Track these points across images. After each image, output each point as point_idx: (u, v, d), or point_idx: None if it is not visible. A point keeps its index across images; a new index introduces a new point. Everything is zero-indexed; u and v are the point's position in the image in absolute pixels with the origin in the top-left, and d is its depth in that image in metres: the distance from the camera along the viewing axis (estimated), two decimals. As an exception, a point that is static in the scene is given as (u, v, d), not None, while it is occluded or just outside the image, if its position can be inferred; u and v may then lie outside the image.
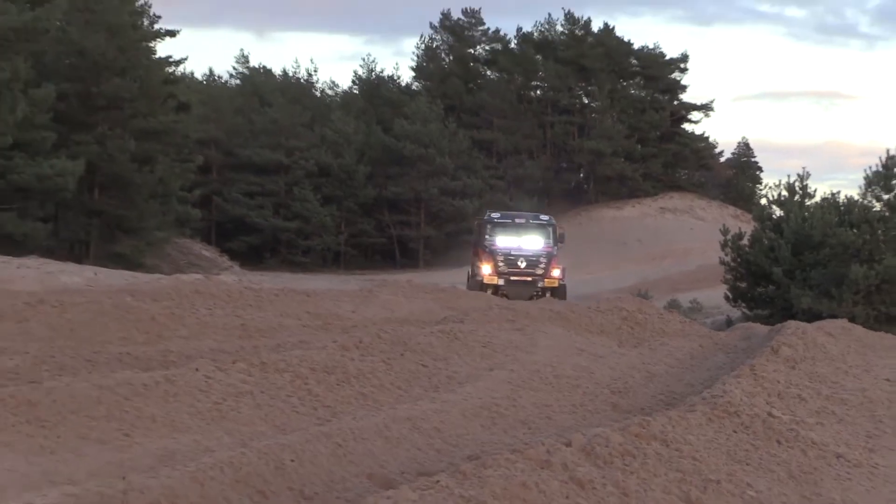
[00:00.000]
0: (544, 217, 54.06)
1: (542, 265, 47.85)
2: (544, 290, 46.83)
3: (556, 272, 47.79)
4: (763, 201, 41.05)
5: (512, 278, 46.93)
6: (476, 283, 48.42)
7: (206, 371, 10.12)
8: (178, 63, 66.05)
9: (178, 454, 7.69)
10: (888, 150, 35.66)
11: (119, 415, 8.79)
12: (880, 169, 35.55)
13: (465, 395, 11.03)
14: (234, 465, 7.39)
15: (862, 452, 10.23)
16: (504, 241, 49.08)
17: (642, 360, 14.95)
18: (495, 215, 52.70)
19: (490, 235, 49.61)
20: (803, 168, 41.51)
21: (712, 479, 8.29)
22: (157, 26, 59.96)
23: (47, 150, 41.95)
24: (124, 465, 7.31)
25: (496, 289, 46.80)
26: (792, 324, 17.38)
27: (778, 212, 38.51)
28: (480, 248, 51.08)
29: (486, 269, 47.47)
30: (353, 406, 10.23)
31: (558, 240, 50.14)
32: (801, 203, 38.27)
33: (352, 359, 11.54)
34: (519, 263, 47.50)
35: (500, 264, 47.42)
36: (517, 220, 51.97)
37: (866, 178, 35.94)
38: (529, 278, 47.40)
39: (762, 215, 39.56)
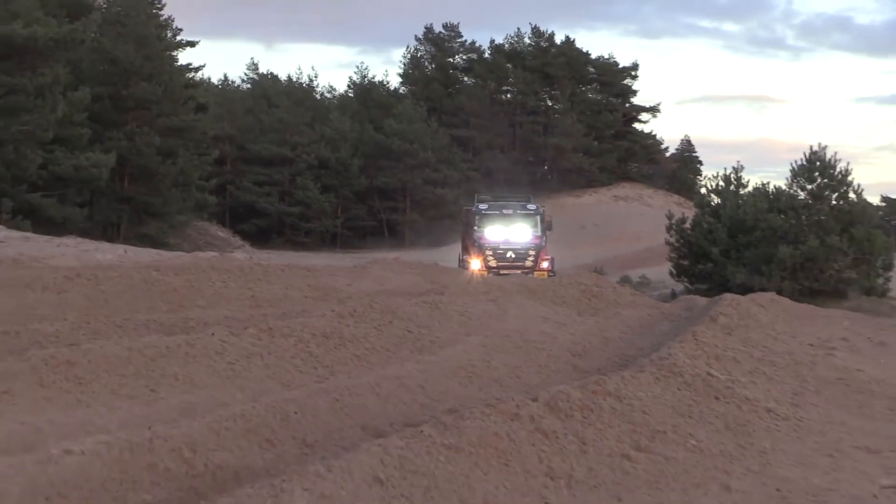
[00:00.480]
0: (531, 206, 46.48)
1: (532, 257, 42.58)
2: None
3: (545, 263, 42.33)
4: (703, 190, 41.05)
5: (502, 272, 40.23)
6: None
7: (221, 336, 10.09)
8: (197, 70, 66.06)
9: (198, 408, 7.67)
10: (811, 147, 35.82)
11: (146, 373, 8.77)
12: (804, 163, 35.75)
13: (445, 358, 11.01)
14: (246, 417, 7.38)
15: (789, 407, 10.23)
16: (492, 232, 43.48)
17: (598, 328, 14.92)
18: (483, 206, 46.02)
19: (478, 227, 43.96)
20: (738, 162, 42.07)
21: (659, 429, 8.29)
22: (178, 38, 59.87)
23: (83, 144, 41.76)
24: (150, 417, 7.29)
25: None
26: (728, 296, 17.37)
27: (716, 200, 38.60)
28: (469, 241, 45.37)
29: (475, 263, 42.35)
30: (348, 366, 10.21)
31: (546, 228, 44.11)
32: (736, 192, 38.38)
33: (347, 325, 11.52)
34: (508, 256, 42.40)
35: (490, 258, 42.27)
36: (505, 211, 45.14)
37: (792, 170, 36.09)
38: (519, 270, 41.14)
39: (702, 203, 39.66)
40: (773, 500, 7.18)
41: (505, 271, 40.51)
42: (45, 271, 15.58)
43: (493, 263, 42.08)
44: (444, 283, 18.40)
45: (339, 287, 16.35)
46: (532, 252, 42.41)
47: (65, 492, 5.53)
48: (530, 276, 39.01)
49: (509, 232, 43.28)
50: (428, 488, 5.93)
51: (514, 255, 42.26)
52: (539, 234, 43.31)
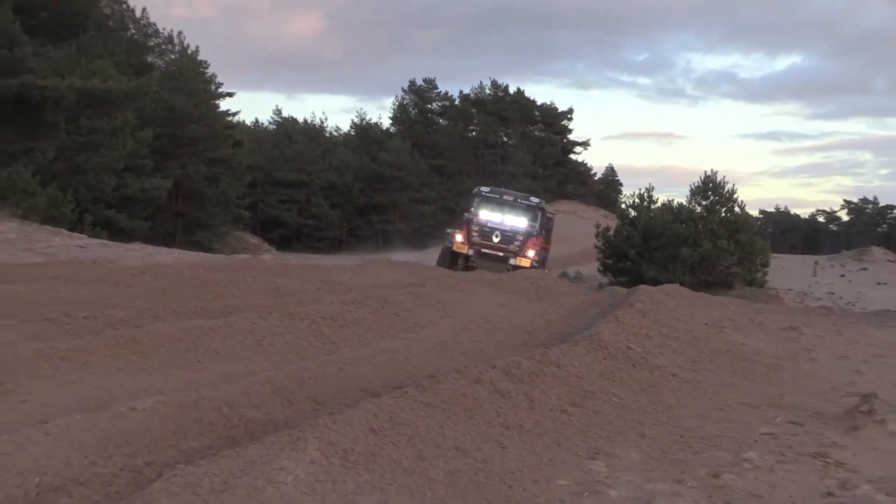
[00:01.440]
0: (534, 199, 39.43)
1: (518, 243, 35.03)
2: (516, 269, 32.16)
3: (530, 252, 34.93)
4: (623, 206, 41.39)
5: (483, 250, 34.78)
6: (446, 252, 36.72)
7: (251, 319, 10.07)
8: (234, 114, 66.33)
9: (234, 375, 7.64)
10: (705, 172, 36.62)
11: (193, 348, 8.73)
12: (700, 184, 36.41)
13: (425, 336, 10.98)
14: (271, 382, 7.35)
15: (689, 372, 10.21)
16: (487, 214, 36.47)
17: (543, 312, 14.88)
18: (485, 189, 39.21)
19: (475, 208, 36.96)
20: (649, 184, 42.17)
21: (589, 390, 8.26)
22: (220, 90, 59.95)
23: (147, 172, 41.82)
24: (197, 382, 7.25)
25: (465, 259, 35.33)
26: (642, 287, 17.38)
27: (633, 213, 38.92)
28: (462, 219, 37.86)
29: (458, 236, 35.42)
30: (350, 342, 10.17)
31: (544, 224, 37.19)
32: (648, 207, 38.75)
33: (349, 311, 11.49)
34: (493, 237, 35.01)
35: (474, 234, 35.10)
36: (505, 197, 38.02)
37: (691, 190, 36.77)
38: (501, 253, 34.69)
39: (623, 215, 40.12)
40: (677, 444, 7.16)
41: (486, 251, 34.60)
42: (116, 270, 15.54)
43: (476, 240, 35.06)
44: (424, 278, 18.36)
45: (343, 281, 16.31)
46: (520, 237, 34.98)
47: (130, 440, 5.50)
48: (512, 262, 33.88)
49: (504, 217, 36.24)
50: (411, 436, 5.91)
51: (499, 238, 34.89)
52: (534, 226, 36.14)
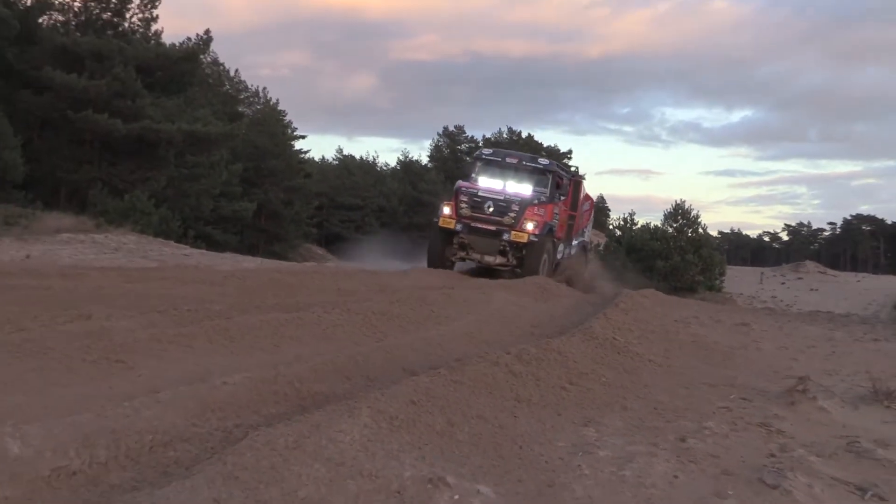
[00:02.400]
0: (543, 160, 28.04)
1: (514, 214, 24.11)
2: (512, 245, 23.79)
3: (528, 224, 23.95)
4: (611, 227, 41.79)
5: (473, 224, 24.16)
6: (433, 228, 26.18)
7: (318, 313, 10.07)
8: (305, 152, 66.48)
9: (303, 357, 7.63)
10: (675, 201, 36.70)
11: (272, 336, 8.74)
12: (672, 211, 36.48)
13: (455, 328, 10.96)
14: (334, 363, 7.35)
15: (662, 358, 10.18)
16: (485, 182, 25.89)
17: (547, 309, 14.86)
18: (486, 152, 28.71)
19: (474, 175, 26.54)
20: (631, 210, 42.49)
21: (583, 371, 8.25)
22: (295, 132, 59.93)
23: (237, 197, 41.96)
24: (275, 362, 7.25)
25: (452, 237, 24.36)
26: (626, 291, 17.32)
27: (619, 233, 39.20)
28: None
29: (445, 209, 24.76)
30: (395, 332, 10.15)
31: (556, 190, 26.01)
32: (630, 228, 39.33)
33: (394, 307, 11.46)
34: (486, 207, 24.31)
35: (463, 206, 24.38)
36: (508, 160, 27.19)
37: (664, 215, 37.09)
38: (493, 227, 24.09)
39: (610, 235, 40.51)
40: (652, 415, 7.15)
41: (477, 224, 23.78)
42: (212, 273, 15.62)
43: (465, 213, 24.03)
44: (454, 283, 18.38)
45: (390, 284, 16.29)
46: (516, 208, 23.87)
47: (223, 407, 5.52)
48: (506, 237, 23.47)
49: (505, 184, 25.19)
50: (443, 406, 5.91)
51: (492, 208, 23.98)
52: (541, 192, 25.13)
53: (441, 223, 24.16)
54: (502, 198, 23.83)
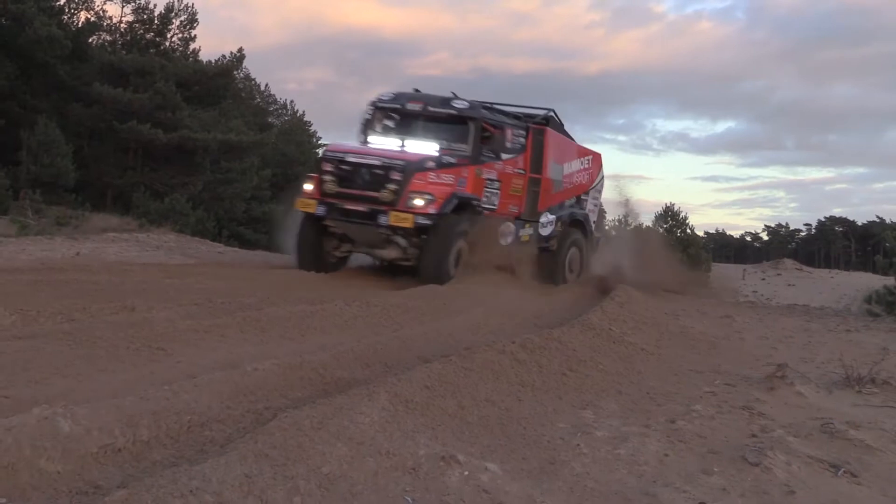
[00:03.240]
0: (460, 103, 16.08)
1: (395, 184, 14.25)
2: (396, 231, 14.57)
3: (417, 200, 14.11)
4: (607, 228, 41.57)
5: (343, 205, 14.72)
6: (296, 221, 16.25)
7: (340, 306, 10.06)
8: (329, 159, 65.96)
9: (327, 346, 7.63)
10: (665, 204, 36.45)
11: (298, 326, 8.75)
12: (663, 213, 36.29)
13: (464, 319, 10.92)
14: (354, 350, 7.35)
15: (653, 348, 10.15)
16: (376, 142, 16.13)
17: (549, 303, 14.80)
18: (384, 97, 16.90)
19: (364, 132, 16.70)
20: (625, 213, 42.17)
21: (582, 359, 8.23)
22: (319, 141, 59.68)
23: (267, 199, 41.96)
24: (301, 350, 7.26)
25: (315, 222, 15.30)
26: (621, 286, 17.25)
27: (614, 233, 39.00)
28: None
29: (306, 185, 15.62)
30: (410, 323, 10.14)
31: (482, 147, 15.67)
32: (625, 228, 38.95)
33: (410, 301, 11.48)
34: (360, 177, 14.60)
35: (327, 178, 14.89)
36: (409, 106, 16.29)
37: (656, 216, 36.68)
38: (365, 208, 14.46)
39: (607, 235, 40.28)
40: (644, 399, 7.15)
41: (349, 204, 14.67)
42: (246, 267, 15.77)
43: (330, 189, 14.90)
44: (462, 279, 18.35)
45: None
46: (397, 175, 14.33)
47: (253, 391, 5.54)
48: (383, 221, 14.38)
49: (403, 144, 15.65)
50: (454, 391, 5.92)
51: (368, 178, 14.53)
52: (453, 151, 15.53)
53: (299, 206, 15.59)
54: (380, 162, 14.66)
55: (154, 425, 4.66)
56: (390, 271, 15.65)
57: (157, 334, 7.44)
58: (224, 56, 41.10)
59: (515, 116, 17.77)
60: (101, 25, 38.27)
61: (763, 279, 40.07)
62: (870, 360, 9.38)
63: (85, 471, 4.08)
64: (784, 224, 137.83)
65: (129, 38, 38.94)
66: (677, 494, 4.84)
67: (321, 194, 15.04)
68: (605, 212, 24.94)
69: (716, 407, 7.16)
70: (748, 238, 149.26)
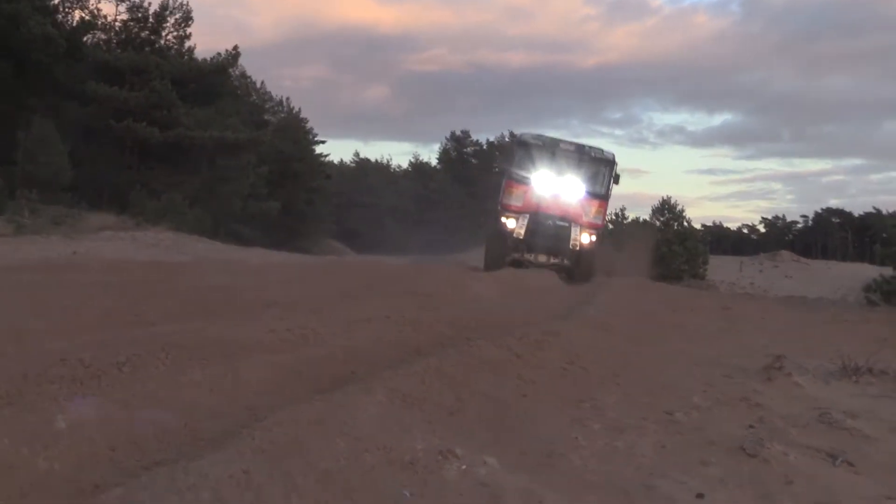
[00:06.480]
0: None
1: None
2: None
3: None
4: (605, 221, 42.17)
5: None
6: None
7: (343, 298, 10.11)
8: (325, 156, 66.20)
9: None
10: (663, 198, 36.71)
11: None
12: (659, 206, 36.44)
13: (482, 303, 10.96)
14: (345, 350, 7.37)
15: (651, 340, 10.19)
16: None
17: (557, 297, 14.86)
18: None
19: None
20: (623, 206, 42.26)
21: (579, 353, 8.24)
22: (315, 138, 59.97)
23: (263, 197, 42.01)
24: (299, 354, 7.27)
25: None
26: (617, 279, 17.24)
27: (611, 226, 39.12)
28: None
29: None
30: (425, 311, 10.15)
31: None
32: (622, 222, 39.07)
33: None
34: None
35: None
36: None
37: (653, 210, 37.02)
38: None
39: (605, 229, 40.54)
40: (641, 391, 7.19)
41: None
42: (241, 265, 15.80)
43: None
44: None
45: (408, 273, 16.38)
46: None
47: (255, 391, 5.54)
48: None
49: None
50: (451, 385, 5.93)
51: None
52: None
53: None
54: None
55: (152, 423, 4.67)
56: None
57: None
58: (219, 54, 41.31)
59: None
60: (96, 24, 38.36)
61: (760, 271, 40.00)
62: (867, 350, 9.40)
63: (82, 469, 4.08)
64: (781, 216, 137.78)
65: (123, 36, 39.03)
66: (675, 486, 4.84)
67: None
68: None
69: (713, 398, 7.17)
70: (745, 230, 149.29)
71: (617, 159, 22.21)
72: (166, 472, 3.70)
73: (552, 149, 21.92)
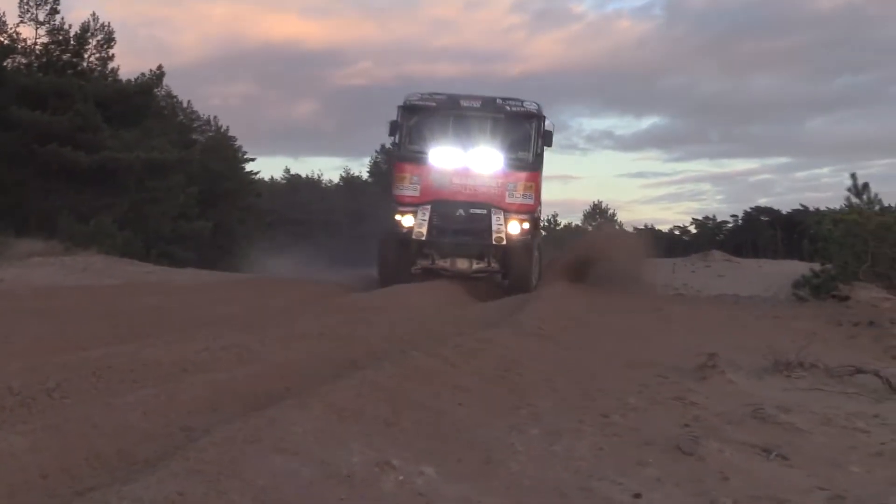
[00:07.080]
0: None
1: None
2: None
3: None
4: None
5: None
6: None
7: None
8: (255, 173, 66.34)
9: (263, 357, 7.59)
10: (594, 202, 37.17)
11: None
12: (590, 211, 36.79)
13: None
14: (280, 366, 7.33)
15: (585, 344, 10.25)
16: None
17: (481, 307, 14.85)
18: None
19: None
20: (555, 212, 42.43)
21: (515, 360, 8.29)
22: (246, 156, 59.77)
23: (195, 216, 41.68)
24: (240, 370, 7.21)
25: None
26: (550, 284, 17.26)
27: (544, 233, 39.41)
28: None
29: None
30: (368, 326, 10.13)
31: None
32: (555, 228, 39.35)
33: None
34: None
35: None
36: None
37: (585, 214, 37.25)
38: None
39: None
40: (578, 395, 7.26)
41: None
42: (171, 285, 15.62)
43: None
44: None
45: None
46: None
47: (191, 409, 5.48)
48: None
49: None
50: (387, 396, 5.94)
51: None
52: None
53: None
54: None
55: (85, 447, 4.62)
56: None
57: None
58: (143, 74, 40.83)
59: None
60: (16, 48, 37.78)
61: (693, 272, 40.46)
62: (797, 344, 9.58)
63: (14, 498, 4.01)
64: (712, 216, 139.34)
65: (45, 59, 38.47)
66: (613, 487, 4.90)
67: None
68: None
69: (649, 399, 7.26)
70: (677, 232, 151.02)
71: (544, 111, 16.73)
72: (99, 498, 3.66)
73: (451, 109, 16.50)
